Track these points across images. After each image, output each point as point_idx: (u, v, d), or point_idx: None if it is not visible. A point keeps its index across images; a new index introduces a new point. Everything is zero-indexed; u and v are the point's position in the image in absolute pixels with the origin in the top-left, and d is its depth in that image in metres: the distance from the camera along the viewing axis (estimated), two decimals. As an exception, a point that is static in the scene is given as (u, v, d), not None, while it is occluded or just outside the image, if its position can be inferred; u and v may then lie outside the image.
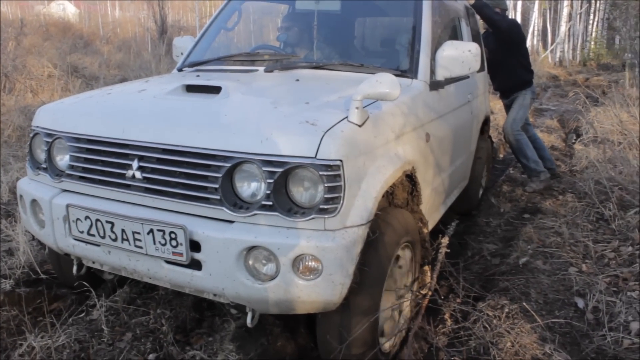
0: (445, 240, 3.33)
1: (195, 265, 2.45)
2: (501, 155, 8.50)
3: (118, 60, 16.66)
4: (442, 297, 3.40)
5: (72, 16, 38.68)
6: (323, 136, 2.34)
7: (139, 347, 3.03)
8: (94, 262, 2.89)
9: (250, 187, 2.41)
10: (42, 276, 3.67)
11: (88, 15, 42.03)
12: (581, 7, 27.22)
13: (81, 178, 2.77)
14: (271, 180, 2.32)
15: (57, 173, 2.87)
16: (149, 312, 3.28)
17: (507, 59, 5.97)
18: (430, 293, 3.17)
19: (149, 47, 20.71)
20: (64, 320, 3.22)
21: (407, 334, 2.94)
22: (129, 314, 3.29)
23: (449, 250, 3.41)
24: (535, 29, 27.89)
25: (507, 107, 6.31)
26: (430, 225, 3.59)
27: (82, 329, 3.14)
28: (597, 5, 27.49)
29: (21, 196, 3.04)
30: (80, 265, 3.02)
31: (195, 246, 2.41)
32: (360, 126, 2.51)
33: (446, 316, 3.31)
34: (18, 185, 3.09)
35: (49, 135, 2.90)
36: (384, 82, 2.54)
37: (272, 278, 2.35)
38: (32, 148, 3.04)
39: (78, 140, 2.77)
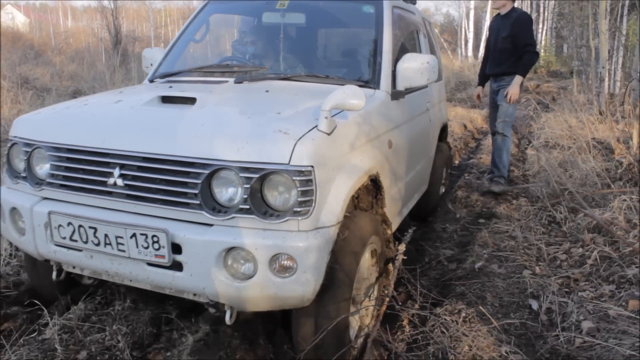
0: (402, 247, 3.46)
1: (177, 266, 2.59)
2: (457, 162, 8.71)
3: (71, 71, 16.44)
4: (400, 304, 3.52)
5: (22, 26, 38.08)
6: (295, 144, 2.51)
7: (95, 366, 3.01)
8: (74, 267, 2.98)
9: (228, 192, 2.56)
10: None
11: (39, 25, 41.40)
12: (530, 16, 27.93)
13: (62, 186, 2.87)
14: (248, 186, 2.49)
15: (36, 182, 2.97)
16: (105, 328, 3.25)
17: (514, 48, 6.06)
18: (388, 300, 3.28)
19: (103, 58, 20.51)
20: (14, 340, 3.15)
21: (365, 341, 3.06)
22: (83, 332, 3.25)
23: (405, 257, 3.51)
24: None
25: (495, 93, 6.37)
26: (394, 227, 3.78)
27: (34, 349, 3.07)
28: (546, 14, 28.29)
29: None
30: (60, 271, 3.11)
31: (176, 248, 2.55)
32: (329, 134, 2.70)
33: (404, 322, 3.42)
34: (-4, 194, 3.17)
35: (27, 145, 3.00)
36: (351, 94, 2.73)
37: (250, 277, 2.51)
38: (10, 157, 3.13)
39: (58, 149, 2.88)
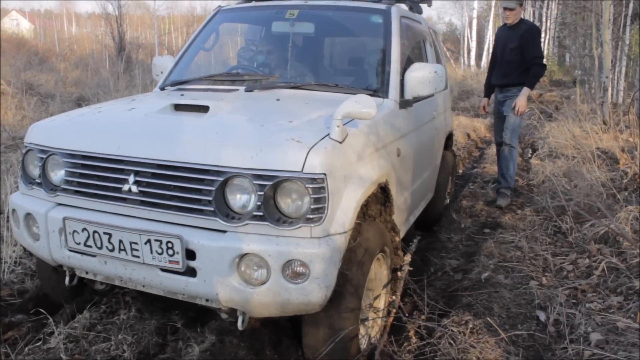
0: (407, 258, 3.49)
1: (190, 272, 2.62)
2: (460, 171, 8.70)
3: (75, 78, 16.52)
4: (407, 315, 3.51)
5: (27, 32, 38.28)
6: (308, 152, 2.56)
7: (100, 376, 3.00)
8: (87, 273, 3.02)
9: (241, 199, 2.60)
10: (-4, 303, 3.63)
11: (43, 31, 41.62)
12: (533, 26, 28.01)
13: (76, 192, 2.92)
14: (261, 193, 2.53)
15: (51, 188, 3.01)
16: (110, 338, 3.24)
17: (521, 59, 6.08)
18: (395, 311, 3.30)
19: (107, 65, 20.59)
20: (19, 349, 3.17)
21: (372, 352, 3.09)
22: (89, 341, 3.24)
23: (411, 268, 3.52)
24: (491, 45, 28.65)
25: (500, 104, 6.38)
26: (401, 234, 3.81)
27: (39, 358, 3.09)
28: (548, 24, 28.41)
29: (14, 210, 3.17)
30: (72, 276, 3.15)
31: (190, 254, 2.59)
32: (341, 143, 2.74)
33: (411, 333, 3.42)
34: (10, 200, 3.21)
35: (43, 151, 3.05)
36: (362, 103, 2.77)
37: (263, 283, 2.54)
38: (24, 164, 3.17)
39: (73, 156, 2.93)
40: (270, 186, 2.53)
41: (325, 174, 2.55)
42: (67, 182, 2.95)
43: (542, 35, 27.85)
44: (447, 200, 6.25)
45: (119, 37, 22.47)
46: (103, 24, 26.44)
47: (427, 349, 3.21)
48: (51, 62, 21.67)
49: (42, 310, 3.38)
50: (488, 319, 3.41)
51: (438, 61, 5.53)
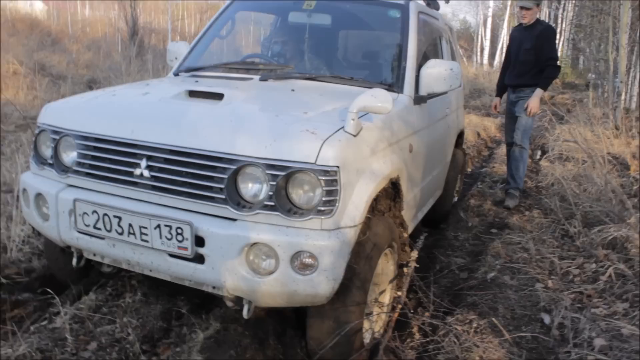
0: (414, 254, 3.47)
1: (198, 259, 2.62)
2: (469, 170, 8.65)
3: (87, 60, 16.48)
4: (411, 311, 3.51)
5: (40, 13, 38.18)
6: (322, 144, 2.55)
7: (104, 357, 3.01)
8: (95, 255, 3.03)
9: (253, 188, 2.60)
10: (3, 281, 3.63)
11: (57, 13, 41.50)
12: (548, 27, 27.83)
13: (88, 174, 2.91)
14: (273, 183, 2.52)
15: (63, 169, 3.01)
16: (115, 320, 3.26)
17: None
18: (400, 306, 3.30)
19: (119, 48, 20.56)
20: (25, 328, 3.18)
21: (376, 347, 3.09)
22: (94, 323, 3.26)
23: (418, 265, 3.50)
24: (504, 45, 28.51)
25: (513, 104, 6.34)
26: (410, 230, 3.80)
27: (44, 337, 3.08)
28: (563, 25, 28.23)
29: (25, 190, 3.17)
30: (80, 258, 3.15)
31: (199, 241, 2.59)
32: (355, 136, 2.73)
33: (414, 330, 3.41)
34: (21, 179, 3.21)
35: (55, 132, 3.05)
36: (379, 97, 2.76)
37: (271, 272, 2.54)
38: (37, 144, 3.17)
39: (86, 138, 2.92)
40: (283, 176, 2.53)
41: (338, 167, 2.54)
42: (79, 164, 2.95)
43: (557, 37, 27.80)
44: (456, 198, 6.23)
45: (132, 21, 22.40)
46: (116, 7, 26.40)
47: (430, 346, 3.21)
48: (63, 43, 21.62)
49: (48, 289, 3.39)
50: (493, 319, 3.40)
51: (453, 58, 5.51)
